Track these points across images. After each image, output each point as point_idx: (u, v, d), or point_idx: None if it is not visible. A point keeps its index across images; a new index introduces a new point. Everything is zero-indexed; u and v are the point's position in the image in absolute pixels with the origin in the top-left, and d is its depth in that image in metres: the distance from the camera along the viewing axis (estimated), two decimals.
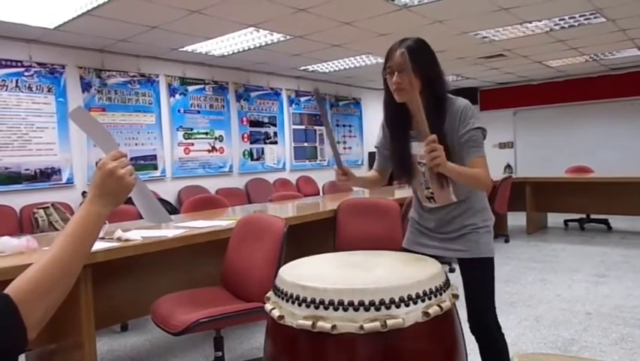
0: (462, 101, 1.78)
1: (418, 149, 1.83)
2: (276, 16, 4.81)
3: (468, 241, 1.84)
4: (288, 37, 5.65)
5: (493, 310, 1.89)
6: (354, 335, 1.22)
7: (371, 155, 9.79)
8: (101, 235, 2.34)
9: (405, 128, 1.87)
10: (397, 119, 1.87)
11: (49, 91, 5.44)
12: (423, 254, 1.71)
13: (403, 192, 4.20)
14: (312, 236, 3.41)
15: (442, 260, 1.63)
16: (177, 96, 6.76)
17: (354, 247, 1.74)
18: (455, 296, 1.43)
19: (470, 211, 1.85)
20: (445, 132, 1.74)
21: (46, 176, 5.42)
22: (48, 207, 5.09)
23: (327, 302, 1.26)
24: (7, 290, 0.80)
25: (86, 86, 5.77)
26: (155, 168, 6.46)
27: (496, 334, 1.89)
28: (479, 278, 1.87)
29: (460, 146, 1.75)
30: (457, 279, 1.84)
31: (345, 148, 9.65)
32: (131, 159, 5.96)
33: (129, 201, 1.11)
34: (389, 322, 1.22)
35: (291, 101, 8.50)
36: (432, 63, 1.77)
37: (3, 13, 4.35)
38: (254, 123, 7.85)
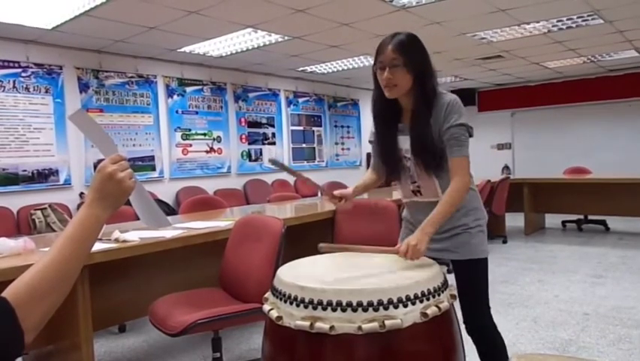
0: (449, 96, 1.77)
1: (404, 143, 1.82)
2: (275, 16, 4.81)
3: (460, 241, 1.82)
4: (286, 37, 5.65)
5: (489, 311, 1.89)
6: (352, 335, 1.22)
7: (370, 156, 9.77)
8: (98, 236, 2.34)
9: (394, 121, 1.86)
10: (386, 113, 1.85)
11: (46, 92, 5.43)
12: None
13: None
14: (310, 237, 3.40)
15: (439, 261, 1.63)
16: (175, 97, 6.75)
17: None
18: (453, 297, 1.43)
19: (462, 211, 1.81)
20: (432, 126, 1.74)
21: (43, 177, 5.41)
22: (45, 209, 5.07)
23: (325, 303, 1.26)
24: (4, 293, 0.80)
25: (83, 87, 5.76)
26: (153, 168, 6.45)
27: (493, 334, 1.89)
28: (472, 279, 1.86)
29: (444, 143, 1.73)
30: (454, 279, 1.84)
31: (343, 149, 9.65)
32: (129, 159, 5.94)
33: (127, 203, 1.11)
34: (387, 322, 1.22)
35: (289, 102, 8.50)
36: (423, 58, 1.75)
37: (0, 13, 4.33)
38: (252, 124, 7.85)
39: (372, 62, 1.79)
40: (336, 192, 1.88)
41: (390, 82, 1.72)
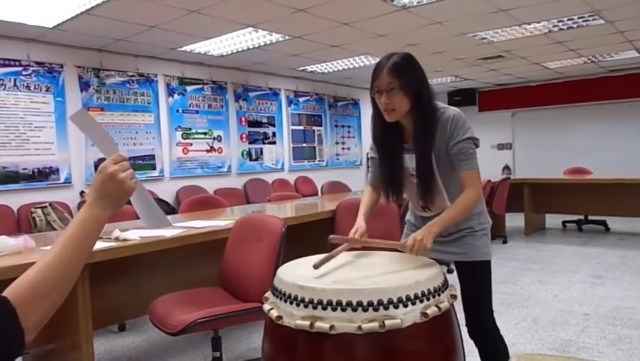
0: (451, 111, 1.76)
1: (410, 162, 1.81)
2: (275, 16, 4.81)
3: (464, 244, 1.83)
4: (286, 37, 5.65)
5: (491, 314, 1.89)
6: (352, 335, 1.22)
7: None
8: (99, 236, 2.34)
9: (398, 141, 1.83)
10: (389, 133, 1.82)
11: (47, 90, 5.43)
12: None
13: None
14: (310, 236, 3.41)
15: (440, 261, 1.63)
16: (176, 96, 6.75)
17: (352, 248, 1.73)
18: (453, 297, 1.43)
19: (468, 215, 1.82)
20: (436, 144, 1.74)
21: (44, 175, 5.41)
22: (46, 207, 5.07)
23: (325, 302, 1.26)
24: (5, 293, 0.80)
25: (84, 86, 5.76)
26: (154, 167, 6.45)
27: (495, 336, 1.89)
28: (476, 281, 1.86)
29: (452, 157, 1.75)
30: (455, 280, 1.85)
31: (343, 149, 9.65)
32: (130, 158, 5.94)
33: (128, 202, 1.11)
34: (387, 322, 1.22)
35: (289, 102, 8.50)
36: (420, 79, 1.73)
37: (1, 12, 4.33)
38: (252, 123, 7.84)
39: (370, 86, 1.76)
40: (357, 235, 1.75)
41: (388, 106, 1.70)
